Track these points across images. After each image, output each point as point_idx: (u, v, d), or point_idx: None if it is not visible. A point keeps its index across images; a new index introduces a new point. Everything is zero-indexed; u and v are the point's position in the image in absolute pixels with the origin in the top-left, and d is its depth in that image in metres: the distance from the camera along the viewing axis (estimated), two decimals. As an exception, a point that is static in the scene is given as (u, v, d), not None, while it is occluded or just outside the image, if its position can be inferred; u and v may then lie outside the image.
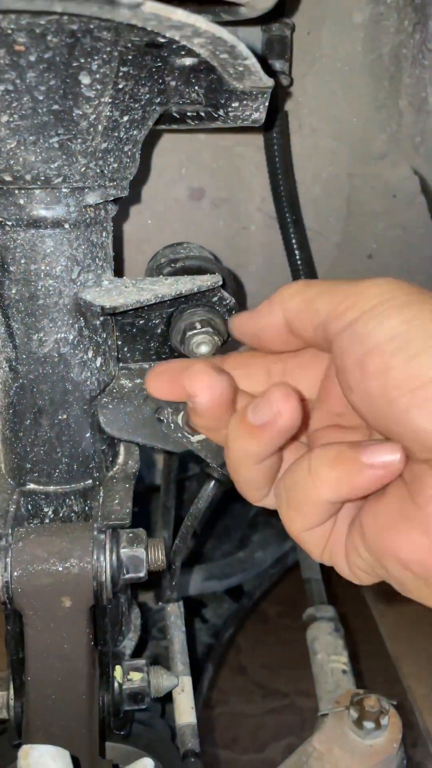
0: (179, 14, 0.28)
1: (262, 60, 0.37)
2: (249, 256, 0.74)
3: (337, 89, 0.66)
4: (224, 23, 0.39)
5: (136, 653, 0.58)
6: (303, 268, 0.66)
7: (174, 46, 0.36)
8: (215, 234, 0.71)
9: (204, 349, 0.46)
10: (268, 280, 0.75)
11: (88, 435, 0.48)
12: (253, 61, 0.33)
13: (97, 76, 0.35)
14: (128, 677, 0.51)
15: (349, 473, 0.32)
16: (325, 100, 0.67)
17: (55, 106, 0.36)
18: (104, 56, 0.35)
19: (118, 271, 0.49)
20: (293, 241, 0.64)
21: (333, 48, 0.64)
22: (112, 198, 0.43)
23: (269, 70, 0.39)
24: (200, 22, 0.29)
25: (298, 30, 0.62)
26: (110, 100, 0.37)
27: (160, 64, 0.38)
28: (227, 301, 0.49)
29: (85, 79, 0.35)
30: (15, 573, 0.44)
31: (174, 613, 0.58)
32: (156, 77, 0.39)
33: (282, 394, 0.33)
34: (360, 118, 0.68)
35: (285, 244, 0.66)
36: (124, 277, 0.46)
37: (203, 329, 0.46)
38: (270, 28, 0.57)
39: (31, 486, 0.49)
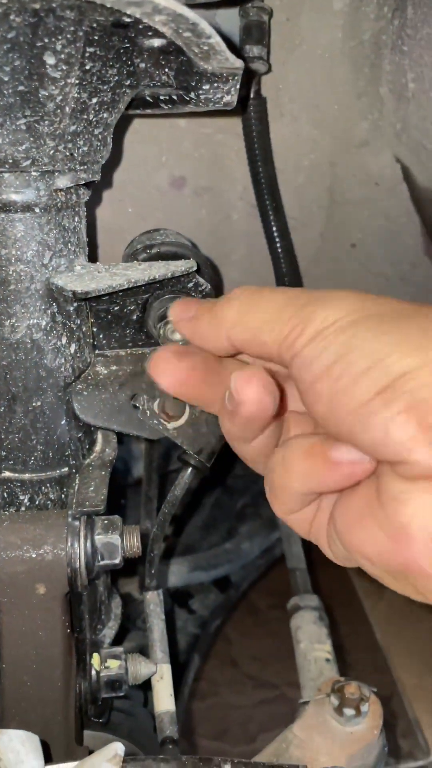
0: (137, -10, 0.28)
1: (229, 41, 0.37)
2: (231, 245, 0.73)
3: (318, 76, 0.66)
4: (199, 5, 0.39)
5: (117, 642, 0.58)
6: (284, 256, 0.65)
7: (140, 26, 0.35)
8: (197, 223, 0.71)
9: (178, 335, 0.46)
10: (250, 269, 0.75)
11: (63, 422, 0.48)
12: (217, 40, 0.33)
13: (62, 56, 0.35)
14: (106, 665, 0.51)
15: (318, 468, 0.32)
16: (305, 88, 0.66)
17: (21, 87, 0.36)
18: (68, 36, 0.34)
19: (94, 259, 0.49)
20: (274, 229, 0.64)
21: (313, 34, 0.64)
22: (84, 182, 0.43)
23: (238, 53, 0.39)
24: (159, -2, 0.29)
25: (277, 16, 0.61)
26: (77, 82, 0.37)
27: (128, 45, 0.38)
28: (203, 287, 0.49)
29: (50, 59, 0.35)
30: (-12, 560, 0.44)
31: (153, 601, 0.58)
32: (124, 59, 0.39)
33: (243, 381, 0.33)
34: (341, 105, 0.67)
35: (265, 233, 0.66)
36: (98, 263, 0.46)
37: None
38: (248, 13, 0.57)
39: (6, 474, 0.49)
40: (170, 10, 0.30)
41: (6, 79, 0.35)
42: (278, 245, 0.65)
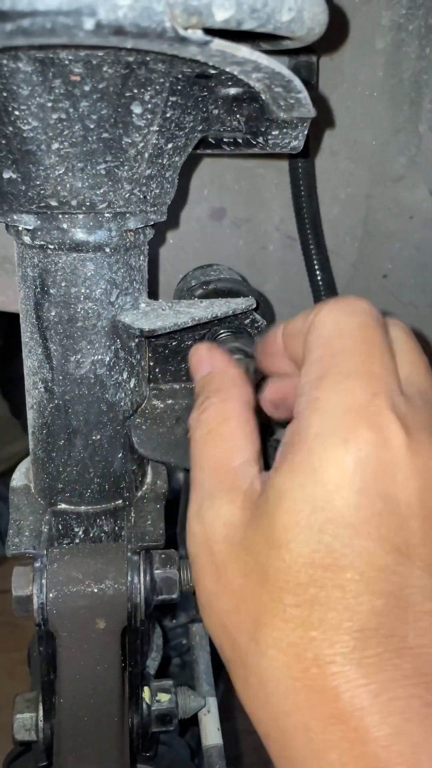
0: (243, 51, 0.28)
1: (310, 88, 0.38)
2: (267, 275, 0.74)
3: (358, 113, 0.67)
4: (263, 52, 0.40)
5: (160, 673, 0.58)
6: (324, 289, 0.66)
7: (223, 77, 0.36)
8: (235, 253, 0.72)
9: None
10: (284, 298, 0.76)
11: (120, 455, 0.48)
12: (305, 95, 0.34)
13: (149, 105, 0.36)
14: (156, 698, 0.51)
15: None
16: (345, 124, 0.68)
17: (105, 135, 0.37)
18: (157, 87, 0.35)
19: (152, 293, 0.50)
20: (315, 262, 0.65)
21: (354, 72, 0.65)
22: (152, 222, 0.44)
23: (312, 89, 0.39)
24: (262, 58, 0.30)
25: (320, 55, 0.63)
26: (158, 129, 0.38)
27: (206, 93, 0.39)
28: (259, 323, 0.49)
29: (137, 109, 0.36)
30: (50, 594, 0.44)
31: (199, 632, 0.58)
32: (201, 106, 0.40)
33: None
34: (379, 141, 0.69)
35: (307, 266, 0.67)
36: (160, 300, 0.47)
37: (236, 356, 0.46)
38: (297, 56, 0.58)
39: (63, 506, 0.49)
40: (270, 69, 0.31)
41: (92, 126, 0.36)
42: (319, 278, 0.65)
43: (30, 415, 0.48)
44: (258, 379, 0.50)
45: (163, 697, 0.51)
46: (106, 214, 0.41)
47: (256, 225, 0.71)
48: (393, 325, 0.37)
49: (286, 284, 0.75)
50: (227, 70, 0.32)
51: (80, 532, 0.50)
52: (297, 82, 0.32)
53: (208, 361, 0.42)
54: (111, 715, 0.46)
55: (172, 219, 0.68)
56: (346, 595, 0.29)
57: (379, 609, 0.29)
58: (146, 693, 0.51)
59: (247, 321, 0.49)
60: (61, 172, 0.38)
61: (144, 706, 0.50)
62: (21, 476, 0.52)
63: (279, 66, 0.31)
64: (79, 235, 0.41)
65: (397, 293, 0.79)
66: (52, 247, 0.42)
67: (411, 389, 0.34)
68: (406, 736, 0.27)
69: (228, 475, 0.35)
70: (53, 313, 0.43)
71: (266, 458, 0.38)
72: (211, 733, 0.53)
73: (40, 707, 0.49)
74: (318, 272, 0.66)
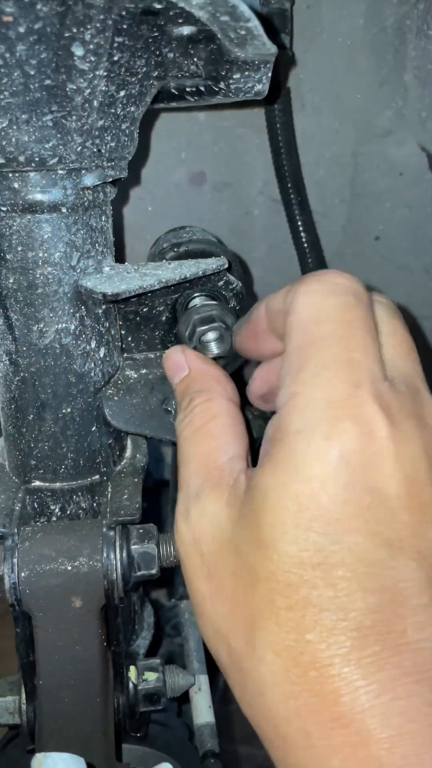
0: (177, -30, 0.26)
1: (265, 22, 0.35)
2: (253, 242, 0.72)
3: (339, 65, 0.64)
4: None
5: (151, 652, 0.57)
6: (310, 251, 0.64)
7: (171, 13, 0.34)
8: (218, 219, 0.69)
9: (215, 348, 0.45)
10: (272, 265, 0.73)
11: (93, 429, 0.46)
12: (255, 23, 0.31)
13: (91, 47, 0.33)
14: (143, 677, 0.49)
15: None
16: (327, 78, 0.64)
17: (48, 81, 0.34)
18: (97, 25, 0.33)
19: (120, 261, 0.47)
20: (299, 223, 0.62)
21: (334, 22, 0.62)
22: (111, 179, 0.41)
23: (273, 37, 0.37)
24: (199, -21, 0.27)
25: (297, 3, 0.60)
26: (105, 74, 0.35)
27: (156, 34, 0.36)
28: (234, 285, 0.47)
29: (78, 51, 0.33)
30: (23, 574, 0.42)
31: (188, 610, 0.57)
32: (153, 48, 0.37)
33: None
34: (363, 94, 0.66)
35: (290, 227, 0.64)
36: (126, 263, 0.45)
37: (214, 325, 0.44)
38: (269, 1, 0.55)
39: (37, 483, 0.47)
40: (210, -8, 0.28)
41: (32, 72, 0.34)
42: (304, 240, 0.63)
43: (-2, 389, 0.47)
44: (238, 364, 0.48)
45: (150, 676, 0.49)
46: (59, 171, 0.39)
47: (238, 189, 0.69)
48: (378, 302, 0.35)
49: (274, 251, 0.73)
50: (165, -4, 0.29)
51: (57, 510, 0.48)
52: (243, 8, 0.30)
53: (184, 362, 0.41)
54: (93, 696, 0.45)
55: (150, 184, 0.66)
56: (339, 594, 0.28)
57: (373, 606, 0.28)
58: (132, 672, 0.49)
59: (221, 283, 0.47)
60: (4, 125, 0.36)
61: (130, 685, 0.49)
62: (-4, 454, 0.50)
63: (220, -12, 0.28)
64: (32, 194, 0.39)
65: (390, 257, 0.76)
66: (4, 209, 0.39)
67: (394, 373, 0.32)
68: (408, 737, 0.26)
69: (214, 471, 0.34)
70: (11, 280, 0.41)
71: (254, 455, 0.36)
72: (203, 711, 0.51)
73: (23, 690, 0.48)
74: (302, 234, 0.63)
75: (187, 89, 0.42)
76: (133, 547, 0.44)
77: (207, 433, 0.36)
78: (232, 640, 0.31)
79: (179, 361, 0.41)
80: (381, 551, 0.28)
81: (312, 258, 0.63)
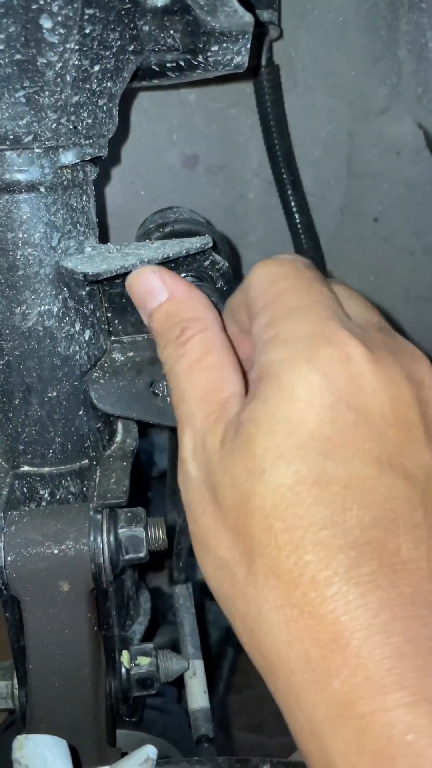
0: None
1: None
2: (249, 225, 0.71)
3: (332, 42, 0.63)
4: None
5: (148, 638, 0.57)
6: (304, 232, 0.63)
7: (141, -18, 0.33)
8: (213, 203, 0.68)
9: None
10: (269, 249, 0.72)
11: (81, 412, 0.46)
12: (224, -12, 0.31)
13: (59, 18, 0.33)
14: (136, 662, 0.49)
15: None
16: (319, 55, 0.63)
17: (18, 56, 0.34)
18: (65, -5, 0.32)
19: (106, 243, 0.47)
20: (292, 203, 0.61)
21: (325, -3, 0.61)
22: (90, 157, 0.41)
23: (250, 9, 0.36)
24: None
25: (286, -21, 0.58)
26: (77, 47, 0.35)
27: (129, 5, 0.36)
28: (220, 265, 0.46)
29: (46, 23, 0.33)
30: (9, 558, 0.42)
31: (183, 594, 0.56)
32: (126, 21, 0.37)
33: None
34: (357, 71, 0.64)
35: (284, 208, 0.63)
36: (109, 243, 0.44)
37: None
38: (255, -23, 0.54)
39: (25, 468, 0.47)
40: None
41: (1, 47, 0.33)
42: (298, 220, 0.62)
43: (-17, 374, 0.46)
44: None
45: (143, 661, 0.49)
46: (36, 149, 0.38)
47: (232, 171, 0.68)
48: (334, 282, 0.37)
49: (270, 234, 0.72)
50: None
51: (46, 495, 0.48)
52: (209, -28, 0.29)
53: (160, 285, 0.38)
54: (83, 680, 0.44)
55: (142, 168, 0.65)
56: (334, 512, 0.28)
57: (367, 522, 0.28)
58: (125, 657, 0.49)
59: (207, 263, 0.46)
60: (-24, 102, 0.35)
61: (123, 670, 0.48)
62: (-14, 440, 0.50)
63: None
64: (9, 174, 0.38)
65: (390, 238, 0.74)
66: (-19, 189, 0.39)
67: (361, 320, 0.34)
68: (408, 658, 0.25)
69: (218, 407, 0.34)
70: (-8, 262, 0.41)
71: None
72: (197, 696, 0.51)
73: (15, 675, 0.48)
74: (296, 214, 0.62)
75: (167, 65, 0.41)
76: (120, 530, 0.44)
77: (206, 367, 0.35)
78: (236, 570, 0.31)
79: (152, 283, 0.38)
80: (370, 468, 0.29)
81: (306, 238, 0.62)
